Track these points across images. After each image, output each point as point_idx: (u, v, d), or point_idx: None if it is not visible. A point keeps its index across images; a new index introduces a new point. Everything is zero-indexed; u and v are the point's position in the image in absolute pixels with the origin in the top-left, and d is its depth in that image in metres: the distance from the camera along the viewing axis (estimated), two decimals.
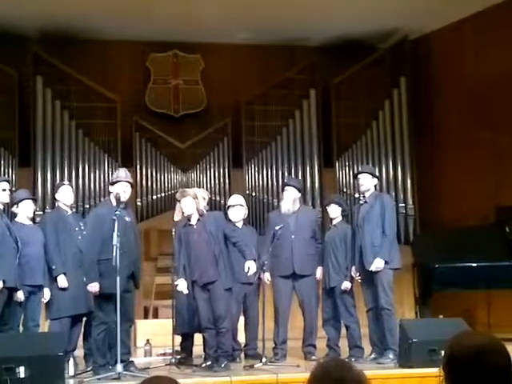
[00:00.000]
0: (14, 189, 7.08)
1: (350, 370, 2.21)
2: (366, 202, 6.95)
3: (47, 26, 10.70)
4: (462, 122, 11.01)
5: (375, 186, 7.10)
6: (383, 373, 5.94)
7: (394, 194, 11.11)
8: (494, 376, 2.21)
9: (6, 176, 9.93)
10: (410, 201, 11.20)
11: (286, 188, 7.57)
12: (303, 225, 7.37)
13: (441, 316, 8.25)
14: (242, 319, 7.63)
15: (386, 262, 6.69)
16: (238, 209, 7.56)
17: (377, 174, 7.41)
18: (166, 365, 6.89)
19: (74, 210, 9.47)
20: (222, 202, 10.78)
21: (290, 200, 7.46)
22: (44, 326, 7.11)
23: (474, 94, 10.86)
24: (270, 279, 7.38)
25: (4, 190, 6.50)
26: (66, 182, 8.27)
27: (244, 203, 7.67)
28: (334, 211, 7.32)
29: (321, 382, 2.17)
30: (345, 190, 11.26)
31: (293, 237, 7.30)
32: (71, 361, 6.17)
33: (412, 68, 11.58)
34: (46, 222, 6.99)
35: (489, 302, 9.58)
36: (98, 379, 5.89)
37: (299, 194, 7.57)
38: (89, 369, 6.50)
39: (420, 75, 11.61)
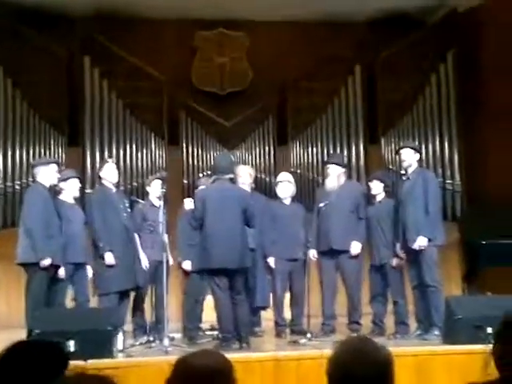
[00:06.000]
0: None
1: (373, 344, 2.25)
2: (408, 178, 6.90)
3: (94, 6, 10.78)
4: None
5: (418, 161, 7.05)
6: (428, 349, 5.93)
7: (440, 170, 10.99)
8: None
9: (56, 155, 10.15)
10: (457, 177, 11.04)
11: (329, 166, 7.61)
12: (344, 199, 7.38)
13: (488, 293, 8.17)
14: (287, 296, 7.71)
15: (429, 240, 6.66)
16: (285, 185, 7.67)
17: (420, 149, 7.34)
18: (213, 339, 6.98)
19: (122, 187, 9.68)
20: (268, 179, 10.82)
21: (334, 177, 7.49)
22: (92, 301, 7.25)
23: None
24: (315, 256, 7.43)
25: (56, 171, 6.66)
26: (110, 159, 8.34)
27: (292, 180, 7.78)
28: (376, 187, 7.31)
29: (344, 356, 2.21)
30: (390, 166, 11.15)
31: (331, 211, 7.31)
32: (120, 335, 6.29)
33: (460, 42, 11.32)
34: (92, 200, 7.08)
35: None
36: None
37: (343, 170, 7.60)
38: (137, 343, 6.64)
39: (468, 49, 11.35)
